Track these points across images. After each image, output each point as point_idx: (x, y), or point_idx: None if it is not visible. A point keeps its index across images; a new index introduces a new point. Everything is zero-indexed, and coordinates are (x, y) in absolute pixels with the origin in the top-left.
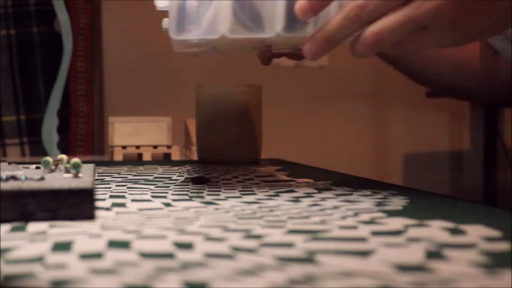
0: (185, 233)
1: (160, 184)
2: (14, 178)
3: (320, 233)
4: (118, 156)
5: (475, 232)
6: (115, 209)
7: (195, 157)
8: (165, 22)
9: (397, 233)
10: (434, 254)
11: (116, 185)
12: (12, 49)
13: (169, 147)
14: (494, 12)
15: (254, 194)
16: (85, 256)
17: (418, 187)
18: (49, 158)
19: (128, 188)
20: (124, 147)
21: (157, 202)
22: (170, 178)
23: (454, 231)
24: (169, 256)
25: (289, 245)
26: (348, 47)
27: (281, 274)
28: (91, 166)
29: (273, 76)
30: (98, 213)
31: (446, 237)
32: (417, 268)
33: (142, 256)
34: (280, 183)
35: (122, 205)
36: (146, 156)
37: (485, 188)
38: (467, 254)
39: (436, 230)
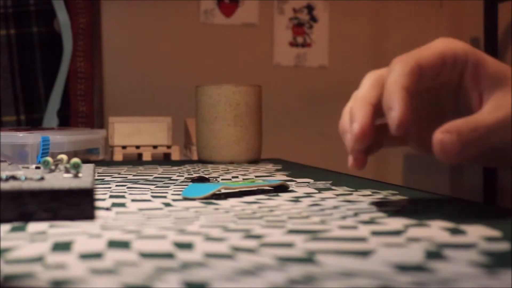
0: (185, 233)
1: (160, 184)
2: (14, 178)
3: (320, 233)
4: (118, 156)
5: (475, 232)
6: (115, 209)
7: (195, 157)
8: None
9: (397, 233)
10: (434, 254)
11: (116, 185)
12: (12, 49)
13: (169, 147)
14: None
15: (254, 194)
16: (85, 256)
17: (418, 187)
18: (49, 158)
19: (128, 188)
20: (124, 147)
21: (157, 202)
22: (170, 178)
23: (454, 231)
24: (169, 256)
25: (289, 245)
26: (347, 47)
27: (281, 274)
28: (91, 166)
29: (273, 76)
30: (98, 213)
31: (446, 237)
32: (417, 268)
33: (142, 256)
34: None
35: (122, 205)
36: (146, 156)
37: (485, 188)
38: (467, 254)
39: (436, 230)
